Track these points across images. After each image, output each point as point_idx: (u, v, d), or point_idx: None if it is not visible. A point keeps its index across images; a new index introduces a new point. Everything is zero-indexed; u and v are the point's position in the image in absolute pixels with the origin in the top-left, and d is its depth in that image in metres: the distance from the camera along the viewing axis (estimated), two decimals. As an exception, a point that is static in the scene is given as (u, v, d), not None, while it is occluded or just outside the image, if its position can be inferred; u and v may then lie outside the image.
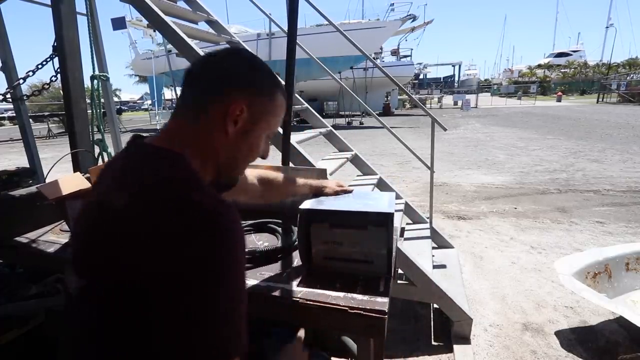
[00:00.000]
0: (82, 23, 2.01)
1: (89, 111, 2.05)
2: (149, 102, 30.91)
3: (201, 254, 0.47)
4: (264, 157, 0.72)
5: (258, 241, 1.10)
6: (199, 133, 0.61)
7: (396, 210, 0.96)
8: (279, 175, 1.06)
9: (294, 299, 0.79)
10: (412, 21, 18.18)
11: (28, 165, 2.34)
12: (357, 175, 2.67)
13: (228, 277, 0.50)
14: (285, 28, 1.67)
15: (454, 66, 57.83)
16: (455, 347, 1.84)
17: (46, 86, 2.34)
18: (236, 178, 0.71)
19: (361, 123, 15.13)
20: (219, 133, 0.61)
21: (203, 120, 0.60)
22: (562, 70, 46.13)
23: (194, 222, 0.49)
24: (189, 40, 1.91)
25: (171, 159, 0.57)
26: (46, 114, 15.43)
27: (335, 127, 3.14)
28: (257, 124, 0.64)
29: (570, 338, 1.94)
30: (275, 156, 1.12)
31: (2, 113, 24.70)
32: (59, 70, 1.90)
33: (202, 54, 1.88)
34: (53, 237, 1.22)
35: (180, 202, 0.50)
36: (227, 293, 0.49)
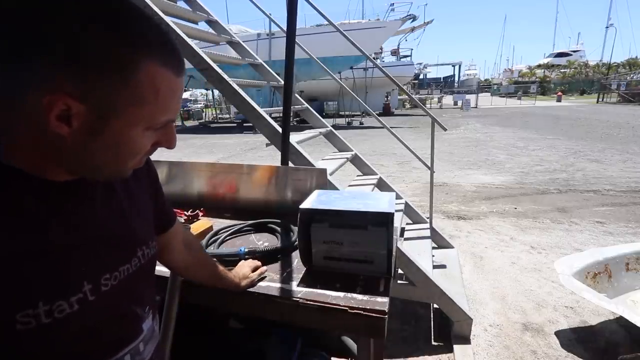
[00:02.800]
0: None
1: None
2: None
3: None
4: (169, 146, 0.46)
5: (258, 241, 1.10)
6: (20, 131, 0.38)
7: (396, 210, 0.96)
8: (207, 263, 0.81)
9: (294, 299, 0.79)
10: (412, 21, 18.24)
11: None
12: (357, 175, 2.68)
13: None
14: (285, 28, 1.67)
15: (454, 66, 57.94)
16: (455, 347, 1.84)
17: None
18: (115, 176, 0.47)
19: (361, 123, 15.12)
20: (52, 134, 0.36)
21: (21, 112, 0.36)
22: (562, 70, 46.10)
23: None
24: (189, 41, 1.90)
25: None
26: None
27: (335, 127, 3.14)
28: (110, 120, 0.37)
29: (570, 338, 1.94)
30: (275, 156, 1.12)
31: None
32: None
33: (202, 54, 1.87)
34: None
35: None
36: None
